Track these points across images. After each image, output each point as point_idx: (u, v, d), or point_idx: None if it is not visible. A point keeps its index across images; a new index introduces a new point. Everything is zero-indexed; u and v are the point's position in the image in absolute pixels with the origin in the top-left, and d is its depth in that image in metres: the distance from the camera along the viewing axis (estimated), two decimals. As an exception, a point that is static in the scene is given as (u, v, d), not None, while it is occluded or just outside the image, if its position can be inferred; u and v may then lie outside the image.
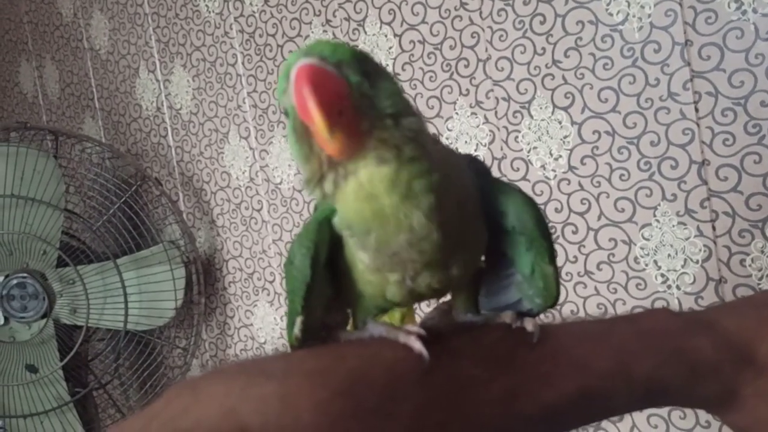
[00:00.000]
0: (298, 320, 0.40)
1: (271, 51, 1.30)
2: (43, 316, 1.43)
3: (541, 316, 0.43)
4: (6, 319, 1.44)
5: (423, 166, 0.34)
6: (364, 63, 0.34)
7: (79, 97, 1.82)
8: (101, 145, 1.54)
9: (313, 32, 1.22)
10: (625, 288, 0.91)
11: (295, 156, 0.36)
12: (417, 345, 0.35)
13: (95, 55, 1.73)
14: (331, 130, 0.31)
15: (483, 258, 0.43)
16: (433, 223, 0.34)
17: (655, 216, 0.88)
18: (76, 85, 1.82)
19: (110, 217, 1.49)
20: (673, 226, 0.87)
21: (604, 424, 0.95)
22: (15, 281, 1.42)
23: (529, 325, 0.39)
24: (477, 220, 0.38)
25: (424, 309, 0.58)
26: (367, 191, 0.33)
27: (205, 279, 1.50)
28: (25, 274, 1.42)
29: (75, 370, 1.55)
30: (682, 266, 0.87)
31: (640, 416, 0.91)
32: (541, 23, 0.94)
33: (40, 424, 1.44)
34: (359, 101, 0.33)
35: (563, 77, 0.93)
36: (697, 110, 0.83)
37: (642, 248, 0.89)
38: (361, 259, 0.38)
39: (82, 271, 1.42)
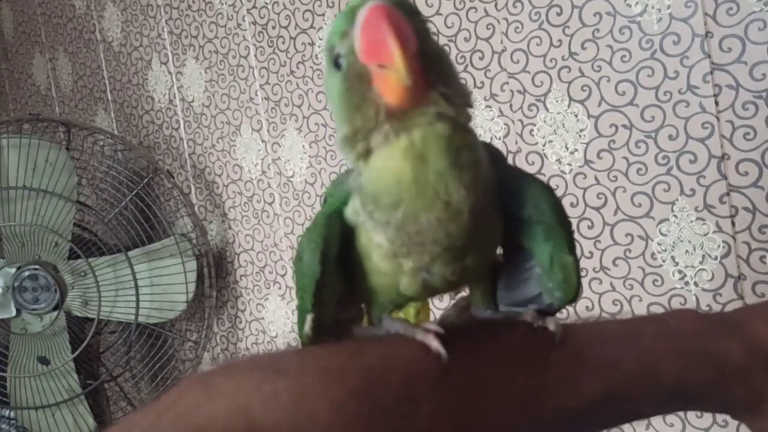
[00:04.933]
0: (309, 318, 0.39)
1: (283, 43, 1.29)
2: (55, 308, 1.43)
3: (562, 312, 0.42)
4: (18, 310, 1.45)
5: (473, 136, 0.33)
6: (424, 21, 0.34)
7: (91, 89, 1.82)
8: (113, 137, 1.54)
9: (326, 23, 1.21)
10: (642, 284, 0.90)
11: (340, 108, 0.34)
12: (435, 344, 0.34)
13: (108, 48, 1.73)
14: (408, 68, 0.30)
15: (500, 251, 0.42)
16: (470, 200, 0.33)
17: (673, 211, 0.86)
18: (89, 78, 1.82)
19: (122, 209, 1.49)
20: (692, 221, 0.85)
21: (619, 421, 0.93)
22: (27, 273, 1.42)
23: (551, 324, 0.37)
24: (494, 209, 0.37)
25: (438, 306, 0.57)
26: (418, 150, 0.32)
27: (216, 272, 1.49)
28: (37, 266, 1.42)
29: (86, 362, 1.55)
30: (701, 262, 0.85)
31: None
32: (558, 15, 0.93)
33: (51, 415, 1.45)
34: (426, 52, 0.32)
35: (580, 69, 0.92)
36: (717, 103, 0.82)
37: (659, 244, 0.88)
38: (377, 243, 0.36)
39: (93, 264, 1.42)
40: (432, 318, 0.54)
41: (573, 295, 0.39)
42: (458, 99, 0.33)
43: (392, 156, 0.32)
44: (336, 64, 0.34)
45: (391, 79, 0.30)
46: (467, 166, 0.33)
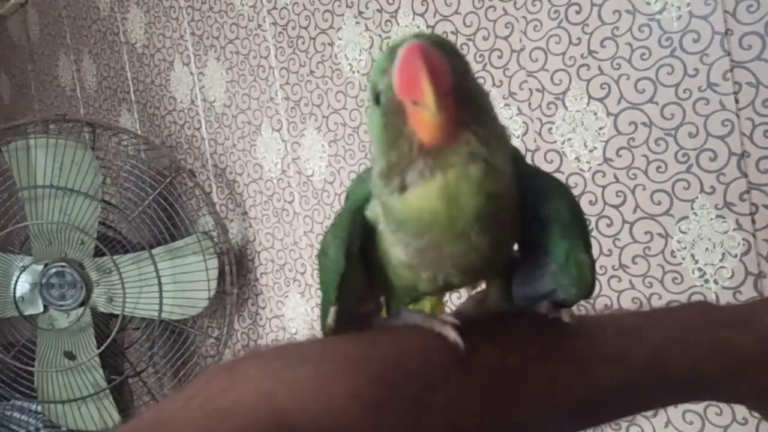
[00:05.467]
0: (332, 310, 0.40)
1: (303, 43, 1.31)
2: (81, 305, 1.46)
3: (576, 307, 0.42)
4: (45, 307, 1.48)
5: (504, 179, 0.34)
6: (464, 61, 0.34)
7: (115, 90, 1.85)
8: (137, 137, 1.57)
9: (345, 24, 1.22)
10: (661, 282, 0.90)
11: (378, 142, 0.35)
12: (452, 334, 0.35)
13: (131, 49, 1.75)
14: (439, 106, 0.30)
15: (516, 247, 0.42)
16: (489, 239, 0.34)
17: (692, 209, 0.86)
18: (113, 78, 1.85)
19: (145, 208, 1.52)
20: (711, 219, 0.85)
21: (639, 419, 0.93)
22: (54, 270, 1.45)
23: (565, 315, 0.38)
24: (514, 213, 0.38)
25: (454, 299, 0.58)
26: (452, 191, 0.32)
27: (237, 270, 1.51)
28: (63, 263, 1.45)
29: (111, 357, 1.58)
30: (720, 260, 0.85)
31: (675, 412, 0.89)
32: (577, 13, 0.93)
33: (77, 409, 1.47)
34: (461, 91, 0.32)
35: (599, 68, 0.92)
36: (737, 101, 0.82)
37: (679, 242, 0.88)
38: (395, 254, 0.38)
39: (118, 261, 1.44)
40: (448, 310, 0.55)
41: (587, 292, 0.40)
42: (493, 140, 0.33)
43: (428, 195, 0.33)
44: (377, 100, 0.35)
45: (424, 116, 0.31)
46: (494, 211, 0.34)
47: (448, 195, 0.32)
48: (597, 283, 0.94)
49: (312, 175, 1.34)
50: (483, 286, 0.45)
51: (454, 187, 0.32)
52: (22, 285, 1.48)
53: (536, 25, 0.97)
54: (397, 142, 0.33)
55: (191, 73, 1.58)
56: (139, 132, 1.74)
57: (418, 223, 0.34)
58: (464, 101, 0.32)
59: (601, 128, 0.93)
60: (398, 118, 0.33)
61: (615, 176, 0.92)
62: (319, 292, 0.42)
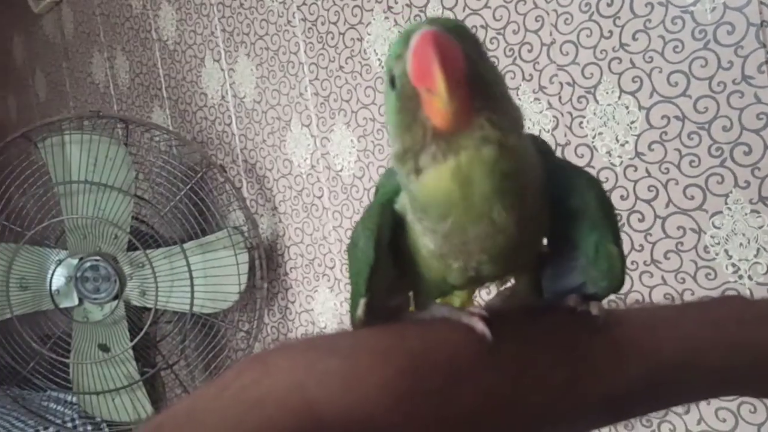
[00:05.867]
0: (362, 302, 0.40)
1: (332, 39, 1.31)
2: (115, 298, 1.49)
3: (607, 301, 0.42)
4: (80, 300, 1.51)
5: (520, 159, 0.34)
6: (478, 45, 0.35)
7: (147, 86, 1.87)
8: (169, 132, 1.59)
9: (374, 19, 1.22)
10: (694, 278, 0.89)
11: (393, 125, 0.35)
12: (480, 326, 0.35)
13: (163, 46, 1.78)
14: (451, 95, 0.31)
15: (546, 241, 0.42)
16: (513, 219, 0.34)
17: (726, 204, 0.85)
18: (145, 75, 1.87)
19: (177, 203, 1.54)
20: (746, 214, 0.84)
21: (671, 416, 0.92)
22: (88, 264, 1.48)
23: (594, 309, 0.38)
24: (543, 205, 0.38)
25: (483, 296, 0.58)
26: (464, 173, 0.33)
27: (267, 264, 1.53)
28: (98, 257, 1.48)
29: (144, 350, 1.61)
30: (755, 256, 0.84)
31: (707, 409, 0.88)
32: (608, 5, 0.92)
33: (111, 400, 1.50)
34: (475, 77, 0.32)
35: (631, 61, 0.91)
36: (773, 93, 0.80)
37: (712, 237, 0.87)
38: (425, 244, 0.38)
39: (150, 255, 1.47)
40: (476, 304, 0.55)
41: (618, 284, 0.40)
42: (506, 123, 0.33)
43: (440, 176, 0.33)
44: (392, 84, 0.35)
45: (436, 104, 0.32)
46: (512, 188, 0.34)
47: (460, 176, 0.33)
48: (628, 279, 0.92)
49: (341, 171, 1.35)
50: (512, 282, 0.45)
51: (467, 168, 0.33)
52: (58, 278, 1.52)
53: (567, 18, 0.96)
54: (411, 126, 0.34)
55: (222, 69, 1.60)
56: (170, 128, 1.77)
57: (435, 205, 0.35)
58: (477, 87, 0.33)
59: (632, 122, 0.92)
60: (413, 103, 0.33)
61: (647, 170, 0.91)
62: (348, 287, 0.42)
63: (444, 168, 0.33)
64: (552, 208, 0.39)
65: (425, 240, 0.37)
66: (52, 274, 1.51)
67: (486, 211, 0.34)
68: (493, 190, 0.33)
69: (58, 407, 1.65)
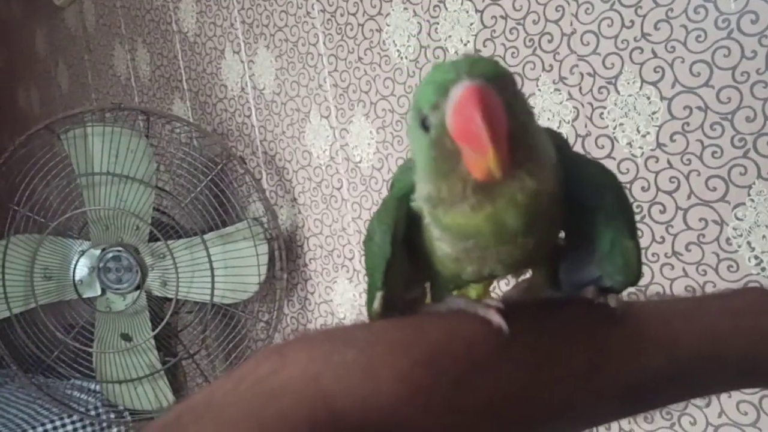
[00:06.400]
0: (378, 295, 0.40)
1: (351, 30, 1.31)
2: (136, 288, 1.51)
3: (626, 293, 0.42)
4: (103, 290, 1.53)
5: (550, 192, 0.34)
6: (515, 90, 0.34)
7: (168, 78, 1.88)
8: (189, 124, 1.60)
9: (393, 10, 1.22)
10: (716, 270, 0.88)
11: (428, 171, 0.35)
12: (496, 318, 0.35)
13: (183, 38, 1.79)
14: (497, 156, 0.31)
15: (562, 235, 0.42)
16: (535, 239, 0.35)
17: (749, 195, 0.84)
18: (166, 67, 1.88)
19: (197, 194, 1.55)
20: (770, 206, 0.83)
21: (691, 409, 0.92)
22: (111, 254, 1.50)
23: (612, 301, 0.38)
24: (559, 202, 0.38)
25: (501, 286, 0.58)
26: (499, 217, 0.33)
27: (287, 255, 1.54)
28: (120, 248, 1.50)
29: (165, 339, 1.63)
30: (779, 248, 0.82)
31: (728, 402, 0.88)
32: (630, -5, 0.91)
33: (133, 389, 1.52)
34: (514, 129, 0.32)
35: (653, 51, 0.90)
36: (798, 83, 0.79)
37: (735, 229, 0.86)
38: (440, 247, 0.38)
39: (171, 246, 1.48)
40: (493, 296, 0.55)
41: (634, 279, 0.39)
42: (542, 171, 0.34)
43: (474, 218, 0.34)
44: (424, 125, 0.35)
45: (480, 163, 0.31)
46: (540, 221, 0.35)
47: (494, 219, 0.34)
48: (648, 270, 0.92)
49: (360, 162, 1.35)
50: (529, 274, 0.45)
51: (502, 213, 0.33)
52: (81, 269, 1.54)
53: (588, 8, 0.95)
54: (449, 177, 0.34)
55: (241, 61, 1.61)
56: (191, 120, 1.78)
57: (461, 234, 0.35)
58: (517, 139, 0.32)
59: (654, 113, 0.91)
60: (451, 155, 0.33)
61: (668, 162, 0.90)
62: (367, 278, 0.43)
63: (480, 213, 0.34)
64: (568, 202, 0.39)
65: (441, 244, 0.38)
66: (75, 265, 1.53)
67: (511, 240, 0.35)
68: (523, 226, 0.34)
69: (82, 395, 1.68)
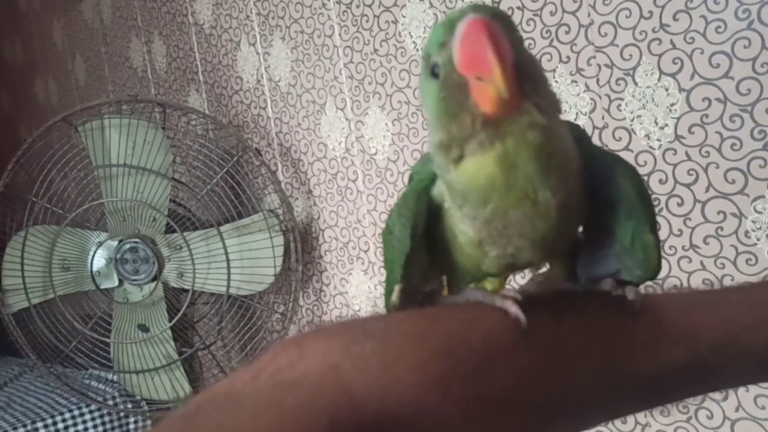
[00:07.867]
0: (396, 288, 0.41)
1: (367, 21, 1.31)
2: (153, 279, 1.52)
3: (644, 286, 0.42)
4: (120, 281, 1.55)
5: (562, 142, 0.34)
6: (518, 33, 0.35)
7: (184, 70, 1.89)
8: (205, 116, 1.61)
9: (409, 1, 1.21)
10: (734, 263, 0.87)
11: (436, 115, 0.35)
12: (513, 309, 0.35)
13: (199, 30, 1.79)
14: (506, 80, 0.31)
15: (581, 228, 0.42)
16: (555, 201, 0.35)
17: (769, 188, 0.83)
18: (182, 60, 1.89)
19: (213, 186, 1.56)
20: (790, 198, 0.82)
21: (708, 403, 0.91)
22: (128, 246, 1.51)
23: (630, 293, 0.38)
24: (580, 193, 0.38)
25: (517, 281, 0.58)
26: (510, 158, 0.33)
27: (302, 247, 1.54)
28: (137, 240, 1.51)
29: (182, 330, 1.64)
30: (799, 241, 0.82)
31: (746, 396, 0.87)
32: (649, -15, 0.90)
33: (150, 379, 1.54)
34: (520, 63, 0.33)
35: (671, 42, 0.89)
36: (820, 74, 0.78)
37: (754, 222, 0.85)
38: (463, 231, 0.38)
39: (188, 238, 1.49)
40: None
41: (653, 273, 0.39)
42: (550, 108, 0.34)
43: (485, 162, 0.34)
44: (433, 72, 0.35)
45: (489, 91, 0.32)
46: (555, 170, 0.34)
47: (506, 161, 0.33)
48: (667, 264, 0.91)
49: (375, 154, 1.35)
50: (546, 267, 0.45)
51: (513, 153, 0.33)
52: (99, 260, 1.56)
53: (605, -1, 0.94)
54: (458, 115, 0.34)
55: (257, 53, 1.61)
56: (207, 112, 1.79)
57: (477, 190, 0.35)
58: (523, 72, 0.33)
59: (672, 105, 0.90)
60: (459, 91, 0.33)
61: (687, 154, 0.89)
62: (383, 270, 0.43)
63: (489, 153, 0.33)
64: (588, 195, 0.38)
65: (464, 226, 0.37)
66: (93, 256, 1.55)
67: (528, 193, 0.34)
68: (537, 171, 0.34)
69: (99, 385, 1.70)
